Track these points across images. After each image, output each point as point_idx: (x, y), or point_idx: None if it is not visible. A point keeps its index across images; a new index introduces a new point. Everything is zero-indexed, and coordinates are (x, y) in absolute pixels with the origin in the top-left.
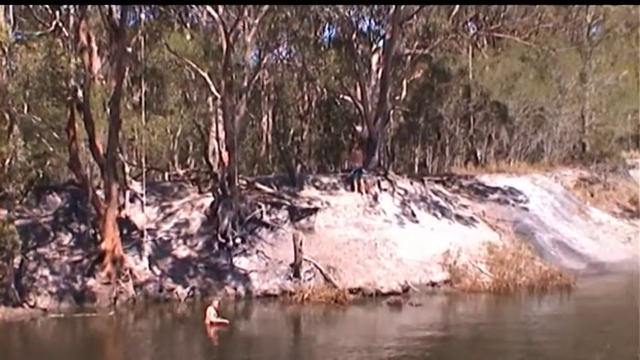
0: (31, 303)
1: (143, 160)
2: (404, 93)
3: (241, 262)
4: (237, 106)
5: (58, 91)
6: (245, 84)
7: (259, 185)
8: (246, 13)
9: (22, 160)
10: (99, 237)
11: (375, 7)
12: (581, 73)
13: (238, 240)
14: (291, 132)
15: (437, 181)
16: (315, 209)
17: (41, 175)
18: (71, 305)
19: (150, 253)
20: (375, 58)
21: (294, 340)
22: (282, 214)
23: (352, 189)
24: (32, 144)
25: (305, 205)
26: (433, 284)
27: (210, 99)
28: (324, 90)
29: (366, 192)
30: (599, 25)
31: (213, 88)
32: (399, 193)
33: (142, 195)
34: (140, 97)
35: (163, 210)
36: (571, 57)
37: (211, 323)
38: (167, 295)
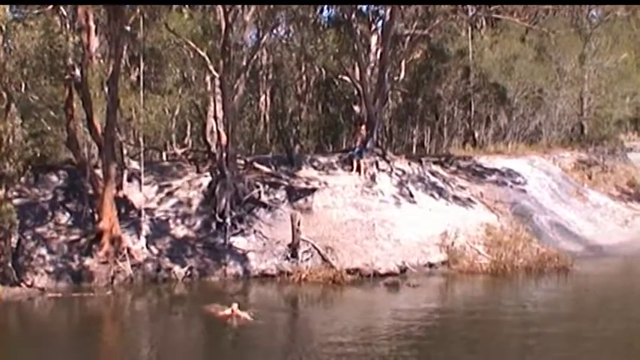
0: (29, 282)
1: (141, 140)
2: (402, 74)
3: (239, 242)
4: (236, 86)
5: (56, 69)
6: (244, 63)
7: (257, 165)
8: None
9: (20, 139)
10: (96, 216)
11: None
12: (581, 55)
13: (236, 220)
14: (290, 112)
15: (435, 162)
16: (313, 189)
17: (39, 155)
18: (69, 284)
19: (147, 233)
20: (374, 39)
21: (291, 320)
22: (280, 194)
23: (352, 169)
24: (30, 123)
25: (303, 185)
26: (431, 265)
27: (208, 78)
28: (323, 70)
29: (364, 172)
30: (598, 7)
31: (211, 68)
32: (396, 174)
33: (139, 174)
34: (138, 77)
35: (161, 189)
36: (570, 39)
37: (233, 312)
38: (165, 275)
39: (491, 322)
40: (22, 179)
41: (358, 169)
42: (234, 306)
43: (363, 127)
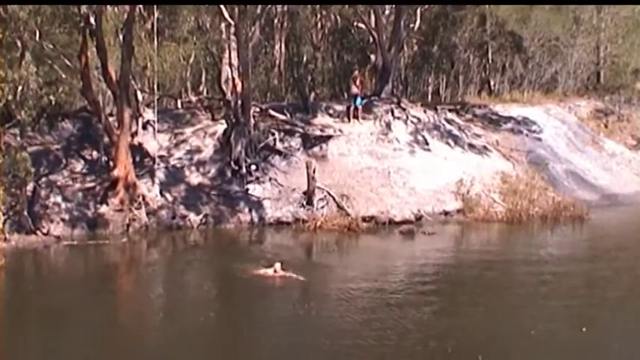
0: (44, 230)
1: (155, 88)
2: (418, 21)
3: (254, 190)
4: (251, 34)
5: (70, 17)
6: (258, 11)
7: (272, 112)
8: None
9: (34, 87)
10: (111, 164)
11: None
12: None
13: (252, 167)
14: (305, 60)
15: (450, 110)
16: (329, 137)
17: (53, 102)
18: (84, 232)
19: (162, 181)
20: None
21: (306, 266)
22: (295, 142)
23: (349, 119)
24: (44, 71)
25: (318, 133)
26: (446, 213)
27: (223, 26)
28: (338, 17)
29: (357, 118)
30: None
31: (226, 15)
32: (412, 122)
33: (154, 122)
34: (152, 24)
35: (176, 137)
36: None
37: (275, 272)
38: (180, 223)
39: (508, 266)
40: (37, 127)
41: (356, 117)
42: (277, 266)
43: (358, 73)
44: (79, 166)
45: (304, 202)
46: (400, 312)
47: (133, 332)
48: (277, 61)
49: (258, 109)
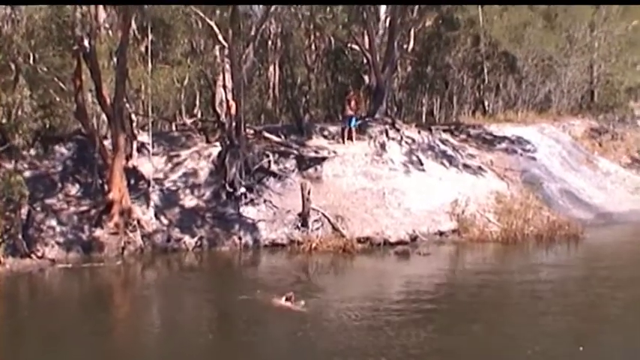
0: (39, 254)
1: (150, 110)
2: (412, 42)
3: (249, 212)
4: (245, 56)
5: (64, 40)
6: (252, 33)
7: (267, 134)
8: None
9: (28, 111)
10: (106, 187)
11: None
12: (590, 22)
13: (246, 190)
14: (299, 81)
15: (444, 130)
16: (323, 158)
17: (48, 126)
18: (79, 255)
19: (157, 203)
20: (383, 7)
21: (302, 288)
22: (290, 164)
23: (343, 141)
24: (38, 94)
25: (313, 154)
26: (441, 234)
27: (217, 48)
28: (332, 39)
29: (351, 140)
30: None
31: (220, 37)
32: (406, 142)
33: (149, 145)
34: (146, 47)
35: (171, 160)
36: (580, 6)
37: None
38: (175, 245)
39: (504, 285)
40: (32, 151)
41: (350, 138)
42: (290, 295)
43: (352, 94)
44: (73, 189)
45: (299, 224)
46: (396, 333)
47: (128, 355)
48: (271, 83)
49: (252, 131)
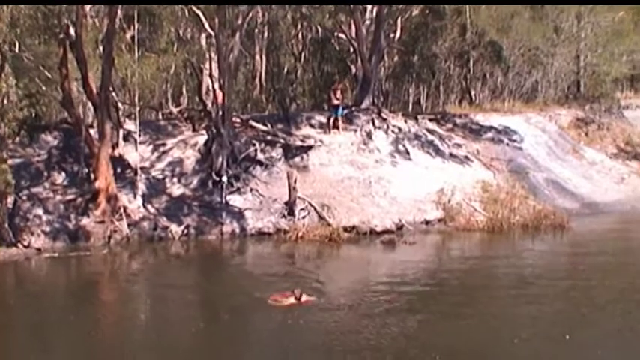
0: (25, 243)
1: (136, 99)
2: (399, 32)
3: (235, 201)
4: (231, 44)
5: (50, 28)
6: (239, 22)
7: (253, 123)
8: None
9: (14, 100)
10: (92, 176)
11: None
12: (577, 13)
13: (232, 178)
14: (285, 70)
15: (431, 120)
16: (309, 147)
17: (34, 115)
18: (65, 244)
19: (144, 192)
20: None
21: (288, 276)
22: (276, 153)
23: (329, 130)
24: (24, 83)
25: (299, 143)
26: (427, 222)
27: (203, 37)
28: (319, 28)
29: (338, 129)
30: None
31: (207, 26)
32: (392, 131)
33: (135, 133)
34: (133, 36)
35: (157, 149)
36: None
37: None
38: (161, 234)
39: (489, 274)
40: (17, 140)
41: (337, 128)
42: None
43: (338, 83)
44: (60, 178)
45: (285, 213)
46: (382, 321)
47: (116, 344)
48: (258, 72)
49: (239, 120)
